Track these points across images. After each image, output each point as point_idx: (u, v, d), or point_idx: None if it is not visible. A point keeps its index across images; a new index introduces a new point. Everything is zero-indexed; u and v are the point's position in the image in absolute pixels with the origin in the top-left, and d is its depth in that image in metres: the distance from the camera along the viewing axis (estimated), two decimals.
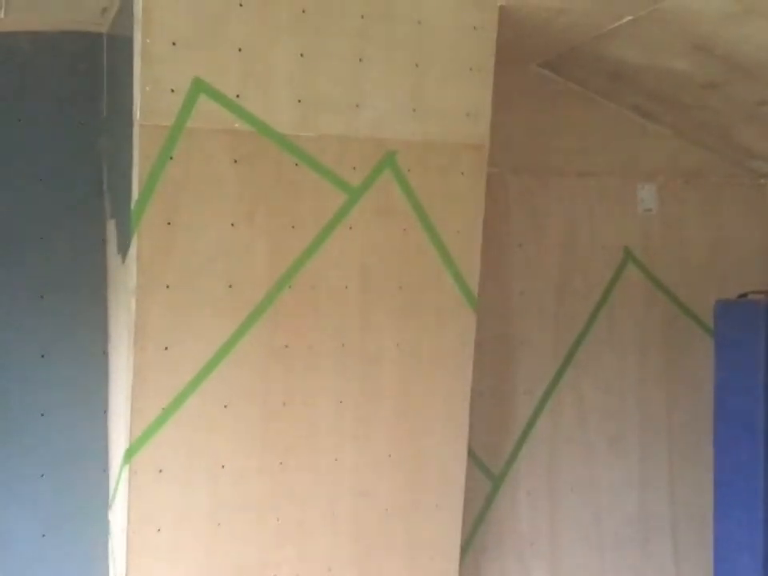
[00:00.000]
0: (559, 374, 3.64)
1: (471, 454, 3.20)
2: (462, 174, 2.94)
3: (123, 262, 2.80)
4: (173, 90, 2.57)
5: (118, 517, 2.89)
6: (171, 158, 2.62)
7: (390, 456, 3.01)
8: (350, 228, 2.86)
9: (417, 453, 3.03)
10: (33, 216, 3.05)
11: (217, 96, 2.63)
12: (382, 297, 2.94)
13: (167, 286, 2.71)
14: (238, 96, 2.65)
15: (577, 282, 3.67)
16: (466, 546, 3.35)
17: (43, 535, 2.99)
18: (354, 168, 2.84)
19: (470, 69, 2.89)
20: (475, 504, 3.43)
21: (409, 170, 2.88)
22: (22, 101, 3.06)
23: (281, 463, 2.92)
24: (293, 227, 2.81)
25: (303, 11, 2.69)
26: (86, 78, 3.12)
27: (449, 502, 3.09)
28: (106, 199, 3.11)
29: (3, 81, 3.04)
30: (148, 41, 2.51)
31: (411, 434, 3.01)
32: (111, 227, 3.02)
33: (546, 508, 3.62)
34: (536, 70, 3.57)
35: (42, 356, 3.03)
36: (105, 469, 3.07)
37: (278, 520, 2.92)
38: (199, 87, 2.60)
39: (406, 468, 3.03)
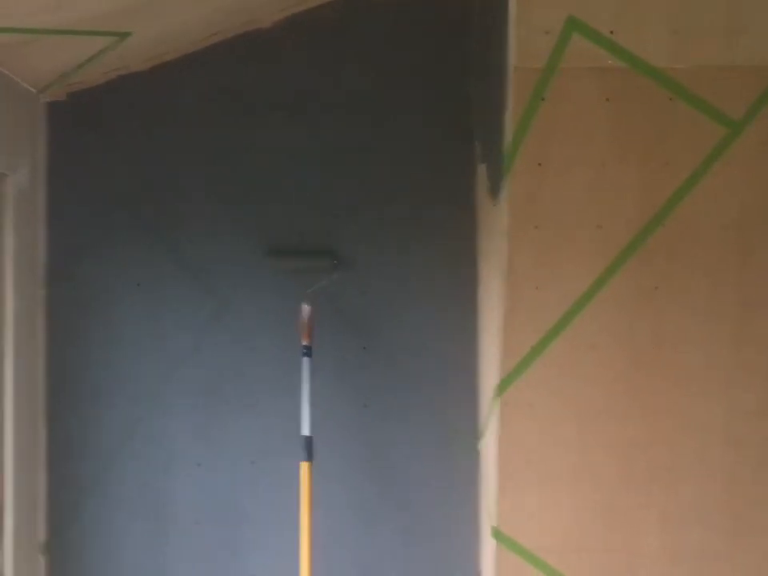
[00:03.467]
0: None
1: None
2: None
3: (494, 204, 2.90)
4: (546, 32, 2.59)
5: (488, 447, 3.05)
6: (543, 100, 2.65)
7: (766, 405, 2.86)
8: (729, 164, 2.70)
9: None
10: (401, 170, 3.24)
11: (590, 34, 2.60)
12: (764, 236, 2.77)
13: (536, 227, 2.77)
14: (611, 32, 2.60)
15: None
16: None
17: (421, 459, 3.23)
18: (735, 99, 2.67)
19: None
20: None
21: None
22: (394, 51, 3.24)
23: (650, 407, 2.88)
24: (666, 164, 2.72)
25: None
26: (454, 26, 3.23)
27: None
28: (475, 144, 3.23)
29: (375, 33, 3.24)
30: None
31: None
32: (482, 171, 3.12)
33: None
34: None
35: (417, 292, 3.25)
36: (475, 400, 3.24)
37: (646, 463, 2.89)
38: (573, 26, 2.59)
39: None
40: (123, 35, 2.82)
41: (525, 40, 2.59)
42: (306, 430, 2.93)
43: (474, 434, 3.24)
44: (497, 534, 2.92)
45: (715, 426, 2.89)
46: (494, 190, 2.89)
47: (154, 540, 3.20)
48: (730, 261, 2.78)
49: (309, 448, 2.90)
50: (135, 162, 3.19)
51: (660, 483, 2.91)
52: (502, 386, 2.86)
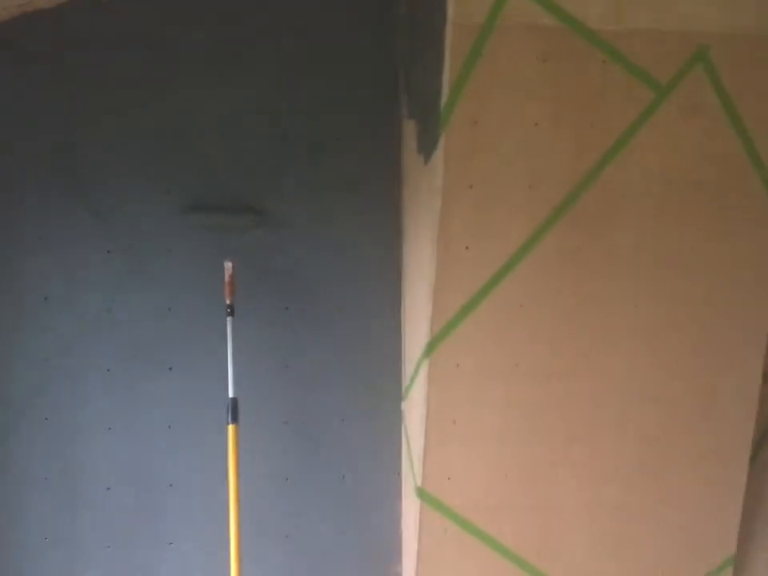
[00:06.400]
0: None
1: None
2: None
3: (426, 162, 2.85)
4: None
5: (413, 407, 3.04)
6: (480, 56, 2.62)
7: (683, 362, 2.95)
8: (656, 127, 2.76)
9: (711, 361, 2.95)
10: (326, 119, 3.15)
11: None
12: (682, 198, 2.83)
13: (470, 186, 2.75)
14: None
15: None
16: (753, 458, 3.25)
17: (342, 420, 3.19)
18: (664, 64, 2.72)
19: None
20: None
21: (722, 66, 2.72)
22: (315, 7, 3.14)
23: (572, 366, 2.94)
24: (597, 126, 2.75)
25: None
26: None
27: (740, 412, 3.01)
28: (402, 100, 3.17)
29: None
30: None
31: (708, 343, 2.92)
32: (410, 127, 3.07)
33: None
34: None
35: (339, 250, 3.18)
36: (398, 361, 3.22)
37: (565, 422, 2.96)
38: None
39: (698, 375, 2.96)
40: None
41: None
42: (231, 392, 2.83)
43: (396, 394, 3.21)
44: (421, 493, 2.92)
45: (634, 385, 2.98)
46: (426, 148, 2.84)
47: (62, 508, 3.02)
48: (651, 222, 2.84)
49: (234, 410, 2.80)
50: (43, 106, 2.95)
51: (579, 442, 2.97)
52: (431, 346, 2.84)
